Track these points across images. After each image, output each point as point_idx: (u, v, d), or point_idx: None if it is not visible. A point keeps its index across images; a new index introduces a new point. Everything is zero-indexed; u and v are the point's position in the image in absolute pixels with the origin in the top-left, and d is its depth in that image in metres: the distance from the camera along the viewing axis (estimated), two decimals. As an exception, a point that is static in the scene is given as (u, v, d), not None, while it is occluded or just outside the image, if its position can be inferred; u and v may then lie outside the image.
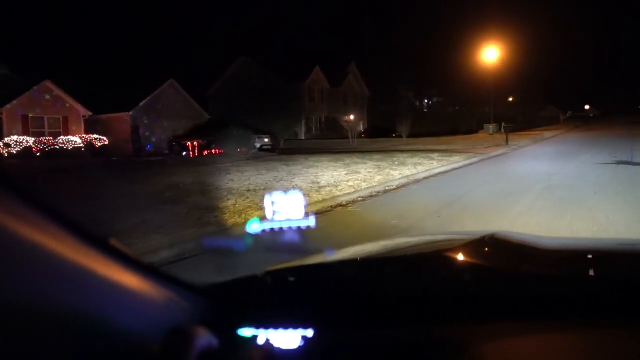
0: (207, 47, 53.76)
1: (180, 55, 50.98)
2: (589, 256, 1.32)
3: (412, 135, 38.10)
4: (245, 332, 0.82)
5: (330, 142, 31.42)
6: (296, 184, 9.50)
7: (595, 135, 26.40)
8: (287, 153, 20.30)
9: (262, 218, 1.13)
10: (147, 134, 26.44)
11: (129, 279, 0.62)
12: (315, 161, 14.30)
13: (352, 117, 44.27)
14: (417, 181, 10.49)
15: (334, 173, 11.26)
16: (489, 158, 15.75)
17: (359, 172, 11.38)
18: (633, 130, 27.78)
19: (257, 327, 0.82)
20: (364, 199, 8.29)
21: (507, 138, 21.65)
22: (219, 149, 19.62)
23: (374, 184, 9.61)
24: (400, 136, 33.32)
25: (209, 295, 0.86)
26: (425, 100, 59.57)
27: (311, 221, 1.10)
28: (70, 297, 0.53)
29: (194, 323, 0.70)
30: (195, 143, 21.19)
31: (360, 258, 1.39)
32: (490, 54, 30.86)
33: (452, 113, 52.27)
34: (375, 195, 8.71)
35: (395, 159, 14.74)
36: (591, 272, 1.13)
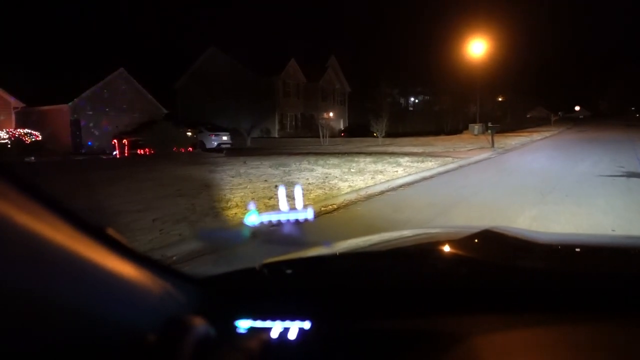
0: (176, 37, 50.12)
1: (142, 44, 47.20)
2: (586, 251, 1.30)
3: (394, 134, 35.71)
4: (243, 323, 0.83)
5: (302, 141, 28.79)
6: (194, 203, 6.81)
7: (590, 137, 23.95)
8: (239, 154, 17.55)
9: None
10: (91, 129, 23.49)
11: (126, 269, 0.62)
12: (253, 167, 11.61)
13: (331, 114, 41.65)
14: (367, 198, 7.89)
15: (263, 185, 8.60)
16: (468, 165, 13.17)
17: (297, 184, 8.75)
18: (631, 133, 25.49)
19: (254, 318, 0.83)
20: (279, 226, 5.62)
21: (492, 140, 19.13)
22: (148, 149, 16.84)
23: (306, 203, 6.97)
24: (376, 137, 30.90)
25: (206, 286, 0.87)
26: (412, 99, 57.09)
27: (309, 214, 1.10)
28: (66, 286, 0.52)
29: (191, 313, 0.70)
30: (124, 142, 18.37)
31: (356, 251, 1.36)
32: (478, 50, 28.28)
33: (439, 112, 49.84)
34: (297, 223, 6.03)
35: (354, 164, 12.12)
36: (587, 267, 1.11)
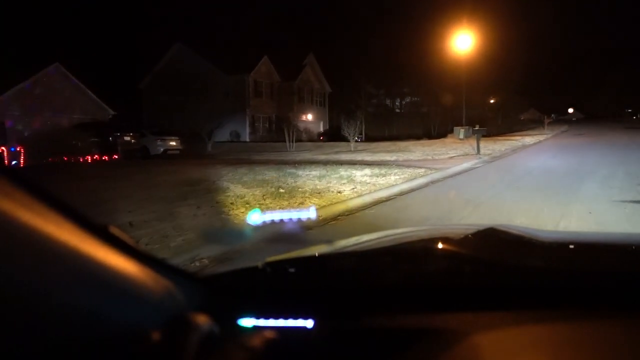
0: (144, 33, 46.05)
1: (102, 40, 43.11)
2: (589, 249, 1.28)
3: (377, 138, 33.06)
4: (245, 322, 0.82)
5: (270, 146, 25.93)
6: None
7: (590, 142, 21.18)
8: (171, 163, 14.62)
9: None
10: (20, 132, 20.38)
11: (129, 268, 0.62)
12: (154, 185, 8.70)
13: (309, 116, 38.85)
14: (263, 245, 5.01)
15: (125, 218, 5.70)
16: (443, 179, 10.34)
17: (177, 217, 5.91)
18: (634, 137, 22.83)
19: (257, 316, 0.83)
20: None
21: (478, 146, 16.34)
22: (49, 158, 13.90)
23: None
24: (357, 140, 28.15)
25: (209, 285, 0.87)
26: (398, 100, 54.39)
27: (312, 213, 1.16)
28: (69, 284, 0.52)
29: (195, 312, 0.70)
30: (19, 149, 15.39)
31: (359, 249, 1.34)
32: (467, 49, 25.41)
33: (427, 114, 47.22)
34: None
35: (292, 180, 9.27)
36: (590, 265, 1.08)
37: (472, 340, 0.71)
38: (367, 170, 10.96)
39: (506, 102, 52.90)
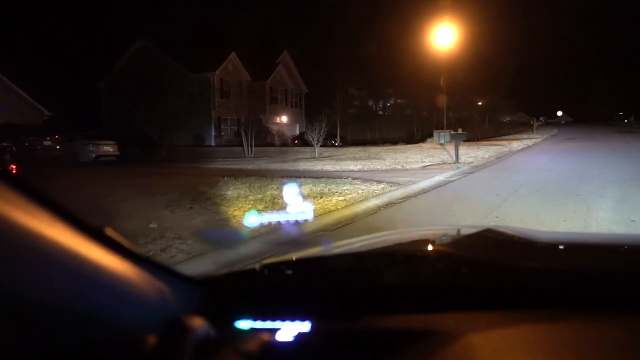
0: (105, 29, 42.64)
1: (57, 35, 39.85)
2: (587, 250, 1.28)
3: (353, 142, 30.84)
4: (243, 324, 0.82)
5: (229, 151, 23.51)
6: None
7: (585, 148, 18.81)
8: (56, 176, 12.03)
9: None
10: None
11: (125, 270, 0.61)
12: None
13: (283, 119, 36.33)
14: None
15: None
16: (403, 200, 7.84)
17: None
18: (632, 143, 20.57)
19: (255, 319, 0.83)
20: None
21: (456, 153, 13.91)
22: None
23: None
24: (333, 145, 25.81)
25: (207, 287, 0.86)
26: (382, 102, 52.08)
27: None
28: (64, 287, 0.52)
29: (191, 314, 0.70)
30: None
31: (356, 250, 1.34)
32: (445, 43, 23.08)
33: (411, 116, 44.98)
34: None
35: (188, 205, 6.72)
36: (587, 265, 1.08)
37: (468, 340, 0.71)
38: (308, 188, 8.46)
39: (494, 104, 50.82)
